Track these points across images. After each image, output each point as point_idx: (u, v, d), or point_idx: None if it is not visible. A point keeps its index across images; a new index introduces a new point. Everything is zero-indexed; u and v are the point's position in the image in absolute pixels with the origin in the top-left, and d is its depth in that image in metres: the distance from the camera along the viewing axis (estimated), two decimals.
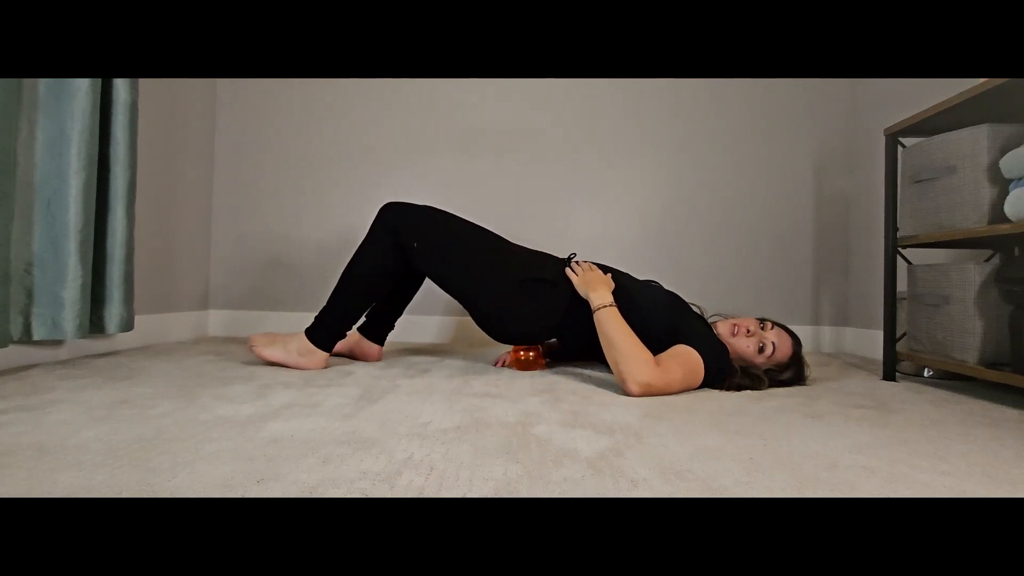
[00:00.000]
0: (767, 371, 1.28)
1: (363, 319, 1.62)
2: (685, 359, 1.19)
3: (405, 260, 1.41)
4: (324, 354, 1.39)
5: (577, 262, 1.44)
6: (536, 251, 1.53)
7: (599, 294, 1.30)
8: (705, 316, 1.40)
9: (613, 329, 1.22)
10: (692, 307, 1.40)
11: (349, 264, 1.42)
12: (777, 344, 1.27)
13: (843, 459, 0.75)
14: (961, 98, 1.26)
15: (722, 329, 1.31)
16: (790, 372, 1.30)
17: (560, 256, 1.60)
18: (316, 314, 1.43)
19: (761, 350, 1.26)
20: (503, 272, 1.41)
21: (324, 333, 1.39)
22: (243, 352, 1.64)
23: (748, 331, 1.28)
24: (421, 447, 0.75)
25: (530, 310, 1.40)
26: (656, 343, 1.23)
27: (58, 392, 1.01)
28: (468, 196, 2.19)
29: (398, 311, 1.61)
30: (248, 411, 0.91)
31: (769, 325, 1.30)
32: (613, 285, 1.34)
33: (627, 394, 1.16)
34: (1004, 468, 0.74)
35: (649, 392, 1.15)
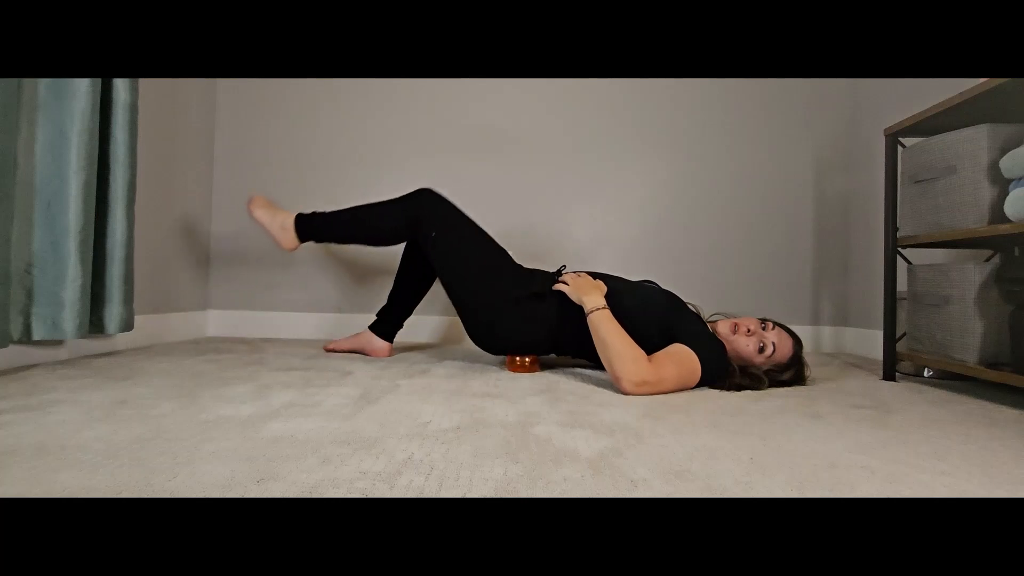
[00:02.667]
0: (767, 371, 1.28)
1: (374, 317, 1.65)
2: (680, 357, 1.19)
3: (415, 240, 1.48)
4: (296, 240, 1.52)
5: (564, 275, 1.44)
6: (529, 269, 1.56)
7: (591, 298, 1.30)
8: (702, 315, 1.40)
9: (606, 331, 1.22)
10: (689, 306, 1.40)
11: (367, 208, 1.50)
12: (777, 344, 1.27)
13: (843, 459, 0.75)
14: (961, 98, 1.26)
15: (722, 328, 1.31)
16: (790, 372, 1.30)
17: (550, 270, 1.61)
18: (316, 210, 1.54)
19: (761, 350, 1.26)
20: (503, 287, 1.43)
21: (307, 226, 1.51)
22: (243, 353, 1.64)
23: (748, 330, 1.28)
24: (421, 447, 0.75)
25: (522, 325, 1.42)
26: (651, 343, 1.23)
27: (58, 392, 1.01)
28: (468, 195, 2.19)
29: (408, 310, 1.65)
30: (248, 411, 0.91)
31: (770, 325, 1.30)
32: (605, 289, 1.34)
33: (622, 393, 1.17)
34: (1004, 468, 0.74)
35: (643, 390, 1.15)
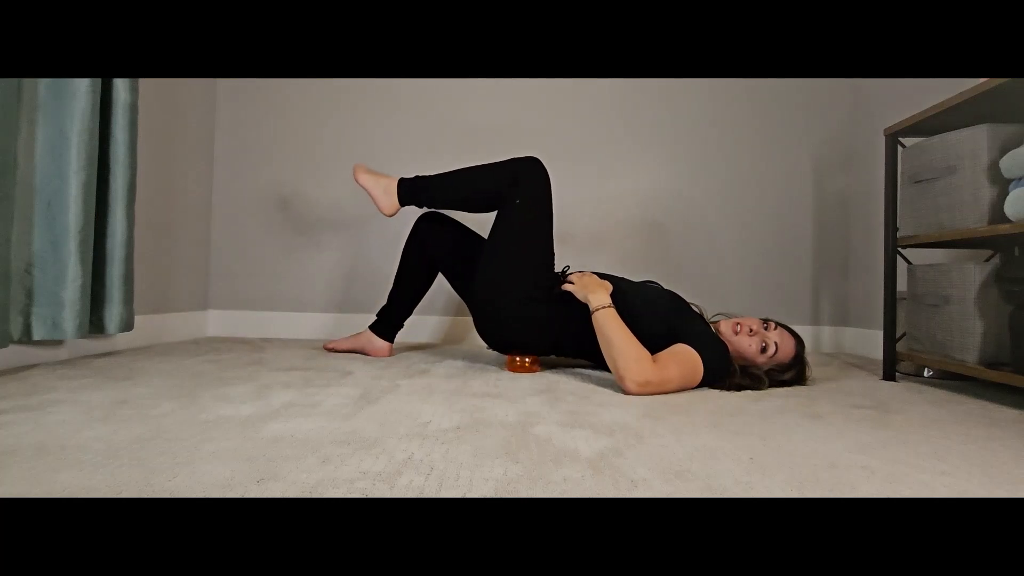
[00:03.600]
0: (768, 371, 1.28)
1: (374, 317, 1.64)
2: (683, 358, 1.19)
3: (501, 202, 1.47)
4: (397, 204, 1.52)
5: (570, 275, 1.44)
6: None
7: (597, 296, 1.30)
8: (704, 315, 1.40)
9: (611, 329, 1.22)
10: (692, 306, 1.40)
11: (470, 171, 1.50)
12: (780, 344, 1.27)
13: (843, 459, 0.75)
14: (961, 98, 1.26)
15: (724, 328, 1.31)
16: (792, 372, 1.30)
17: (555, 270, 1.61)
18: (420, 173, 1.55)
19: (763, 350, 1.26)
20: (531, 282, 1.42)
21: (410, 189, 1.51)
22: (243, 353, 1.64)
23: (751, 330, 1.28)
24: (421, 447, 0.75)
25: (527, 321, 1.41)
26: (655, 342, 1.23)
27: (58, 392, 1.01)
28: None
29: (408, 310, 1.65)
30: (248, 411, 0.91)
31: (772, 325, 1.30)
32: (611, 288, 1.34)
33: (625, 392, 1.17)
34: (1004, 468, 0.74)
35: (647, 390, 1.15)
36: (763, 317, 1.35)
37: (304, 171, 2.19)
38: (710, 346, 1.23)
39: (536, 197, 1.44)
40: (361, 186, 1.55)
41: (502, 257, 1.43)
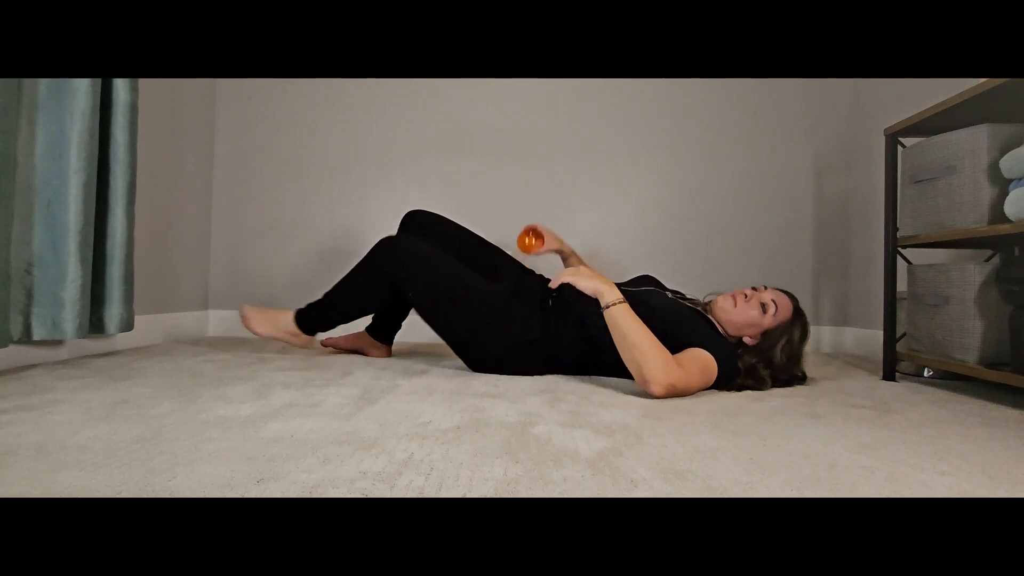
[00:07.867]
0: (770, 372, 1.27)
1: (371, 319, 1.65)
2: (703, 362, 1.17)
3: (398, 297, 1.45)
4: (310, 337, 1.52)
5: (566, 270, 1.40)
6: (517, 292, 1.46)
7: (611, 289, 1.21)
8: (700, 302, 1.40)
9: (631, 328, 1.14)
10: (687, 303, 1.39)
11: (348, 282, 1.46)
12: (777, 301, 1.26)
13: (843, 459, 0.75)
14: (961, 98, 1.26)
15: (722, 304, 1.30)
16: (799, 328, 1.28)
17: (547, 275, 1.58)
18: (311, 301, 1.51)
19: (764, 310, 1.25)
20: (499, 331, 1.37)
21: (309, 322, 1.50)
22: (242, 352, 1.64)
23: (746, 297, 1.28)
24: (421, 447, 0.74)
25: (523, 357, 1.38)
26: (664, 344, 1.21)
27: (58, 392, 1.01)
28: (466, 197, 2.20)
29: (404, 312, 1.64)
30: (248, 411, 0.91)
31: (763, 288, 1.30)
32: (614, 284, 1.32)
33: (650, 396, 1.12)
34: (1004, 468, 0.74)
35: (672, 393, 1.11)
36: (752, 286, 1.35)
37: (304, 171, 2.19)
38: (722, 349, 1.22)
39: (419, 278, 1.39)
40: (263, 336, 1.50)
41: (461, 333, 1.40)
